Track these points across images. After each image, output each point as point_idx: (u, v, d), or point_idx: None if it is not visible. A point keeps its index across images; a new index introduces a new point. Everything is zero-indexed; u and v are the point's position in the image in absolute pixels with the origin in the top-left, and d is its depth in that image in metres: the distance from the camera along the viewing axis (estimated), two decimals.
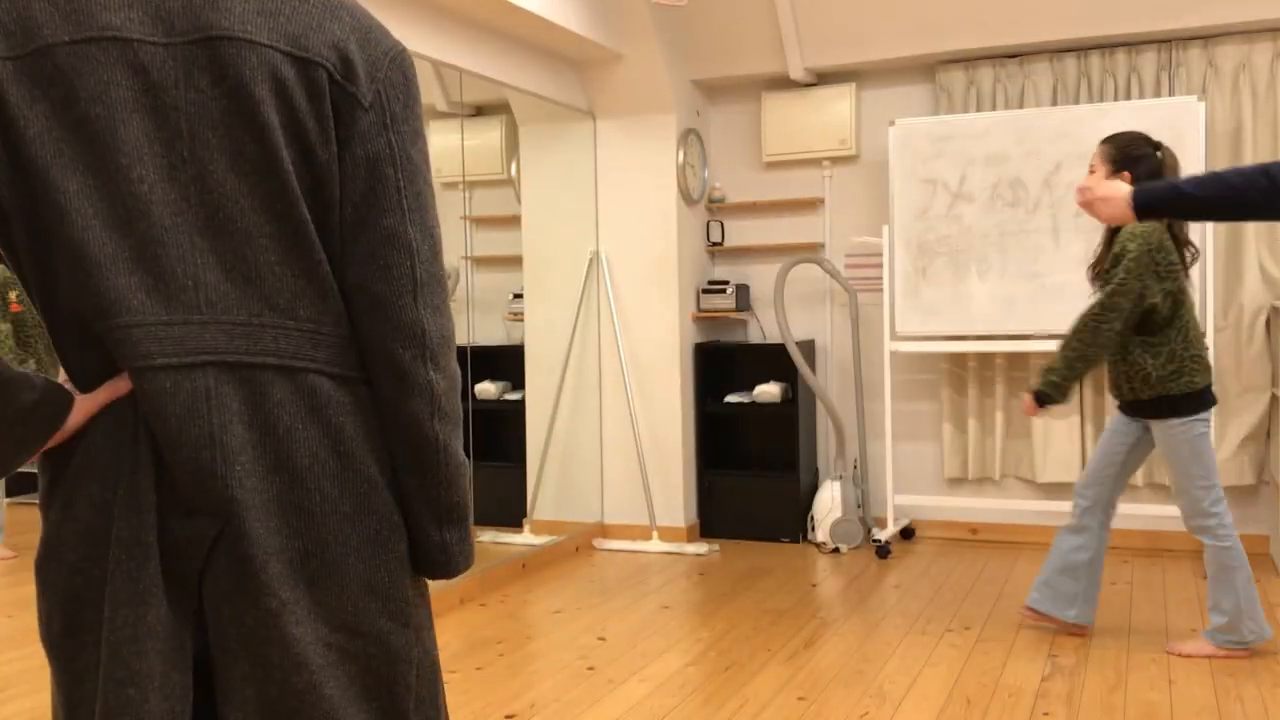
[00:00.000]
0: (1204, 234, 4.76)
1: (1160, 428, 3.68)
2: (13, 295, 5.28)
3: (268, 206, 1.20)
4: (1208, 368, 3.66)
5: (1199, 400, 3.63)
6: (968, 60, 5.42)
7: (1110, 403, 5.22)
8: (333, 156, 1.22)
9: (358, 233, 1.23)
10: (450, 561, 1.31)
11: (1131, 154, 3.67)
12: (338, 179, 1.22)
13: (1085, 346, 3.63)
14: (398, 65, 1.27)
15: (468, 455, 5.85)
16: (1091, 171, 3.79)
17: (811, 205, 5.84)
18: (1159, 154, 3.68)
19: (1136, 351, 3.65)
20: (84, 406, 1.21)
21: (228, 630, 1.20)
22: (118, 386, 1.20)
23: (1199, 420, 3.64)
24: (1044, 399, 3.72)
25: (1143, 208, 2.43)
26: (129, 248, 1.17)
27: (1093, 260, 3.79)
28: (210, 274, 1.19)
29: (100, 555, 1.20)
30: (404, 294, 1.23)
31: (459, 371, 1.29)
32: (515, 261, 5.88)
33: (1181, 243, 3.65)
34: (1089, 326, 3.62)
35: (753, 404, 5.67)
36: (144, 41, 1.17)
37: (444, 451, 1.27)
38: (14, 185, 1.16)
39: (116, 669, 1.17)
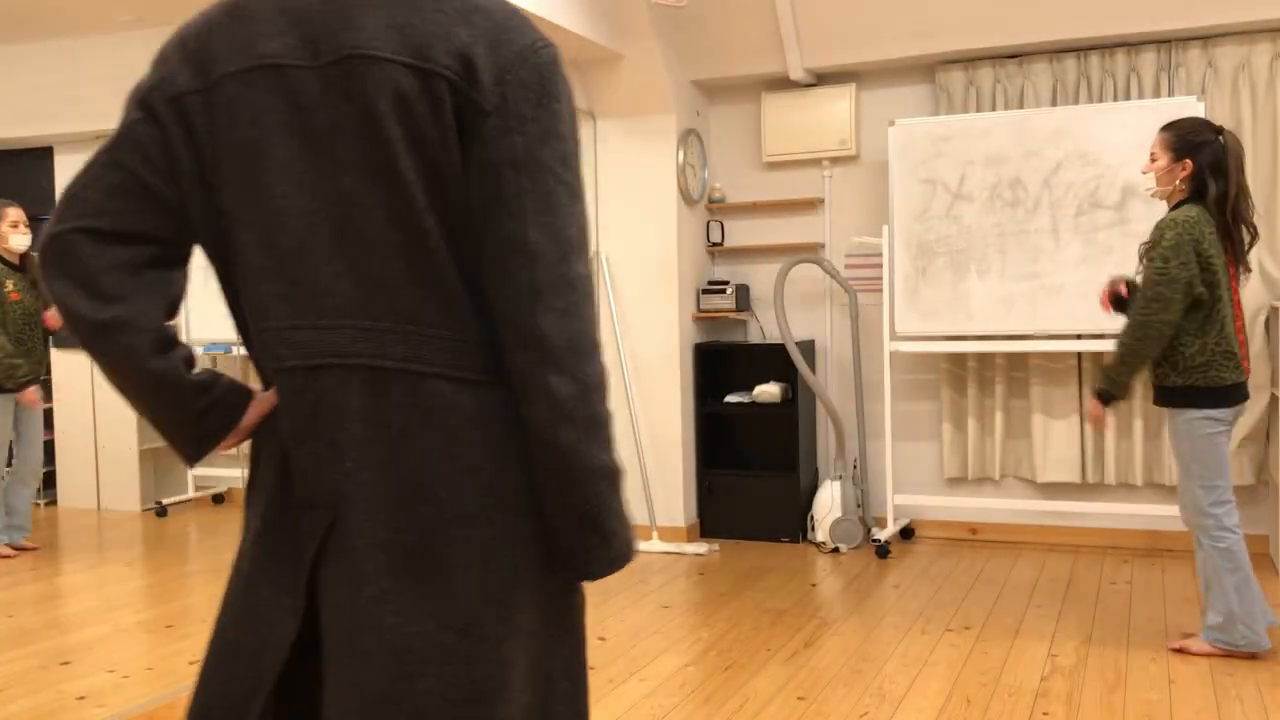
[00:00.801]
0: None
1: (1172, 417, 3.62)
2: (9, 285, 5.28)
3: (393, 217, 1.24)
4: (1239, 365, 3.58)
5: (1219, 395, 3.55)
6: (967, 60, 5.42)
7: None
8: (458, 165, 1.24)
9: (483, 240, 1.25)
10: (586, 566, 1.30)
11: (1193, 140, 3.55)
12: (461, 185, 1.24)
13: (1136, 341, 3.55)
14: (529, 64, 1.25)
15: None
16: (1153, 159, 3.64)
17: (811, 205, 5.84)
18: (1221, 138, 3.56)
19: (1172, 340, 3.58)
20: (258, 406, 1.35)
21: (334, 615, 1.26)
22: (271, 396, 1.32)
23: (1211, 418, 3.56)
24: (1105, 397, 3.65)
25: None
26: (273, 258, 1.27)
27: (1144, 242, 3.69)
28: (340, 281, 1.25)
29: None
30: (520, 299, 1.23)
31: (598, 374, 1.26)
32: None
33: (1241, 226, 3.55)
34: (1139, 320, 3.54)
35: (753, 404, 5.68)
36: (295, 66, 1.25)
37: (568, 457, 1.25)
38: (204, 206, 1.30)
39: (218, 642, 1.31)
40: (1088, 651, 3.78)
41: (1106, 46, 5.18)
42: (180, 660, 3.77)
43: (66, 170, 6.91)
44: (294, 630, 1.29)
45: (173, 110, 1.28)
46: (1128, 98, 5.15)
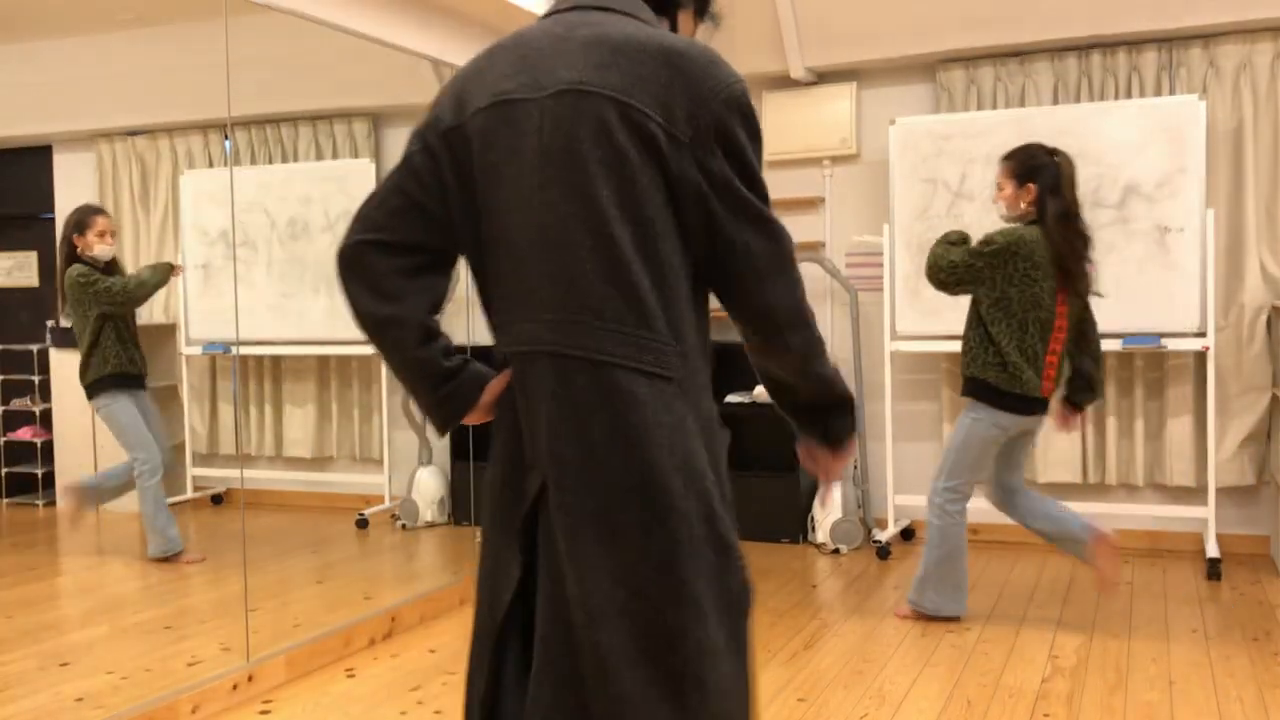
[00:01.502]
0: (1204, 233, 4.76)
1: (968, 408, 3.97)
2: (99, 283, 5.16)
3: (586, 227, 1.47)
4: (1035, 381, 3.86)
5: (1008, 401, 3.85)
6: (968, 59, 5.41)
7: (1110, 403, 5.22)
8: (651, 186, 1.47)
9: (708, 248, 1.52)
10: (829, 437, 1.68)
11: (1033, 165, 3.85)
12: (654, 203, 1.48)
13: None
14: (721, 102, 1.49)
15: (466, 456, 5.86)
16: (1000, 189, 3.95)
17: (812, 204, 5.83)
18: (1056, 160, 3.84)
19: (978, 333, 3.92)
20: (493, 388, 1.62)
21: (542, 563, 1.51)
22: (505, 378, 1.59)
23: (998, 425, 3.88)
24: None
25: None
26: (508, 262, 1.53)
27: None
28: (544, 281, 1.50)
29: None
30: (748, 282, 1.52)
31: (810, 329, 1.61)
32: None
33: (1081, 241, 3.84)
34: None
35: (753, 404, 5.67)
36: (525, 99, 1.51)
37: (812, 373, 1.62)
38: (466, 221, 1.58)
39: (480, 572, 1.63)
40: (1088, 652, 3.78)
41: (1108, 45, 5.17)
42: (179, 661, 3.76)
43: (65, 169, 6.91)
44: (517, 571, 1.54)
45: (442, 143, 1.57)
46: (1129, 96, 5.14)
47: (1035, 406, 3.91)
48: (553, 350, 1.49)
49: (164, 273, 5.20)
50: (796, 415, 1.69)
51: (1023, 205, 3.89)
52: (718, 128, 1.48)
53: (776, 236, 1.54)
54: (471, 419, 1.63)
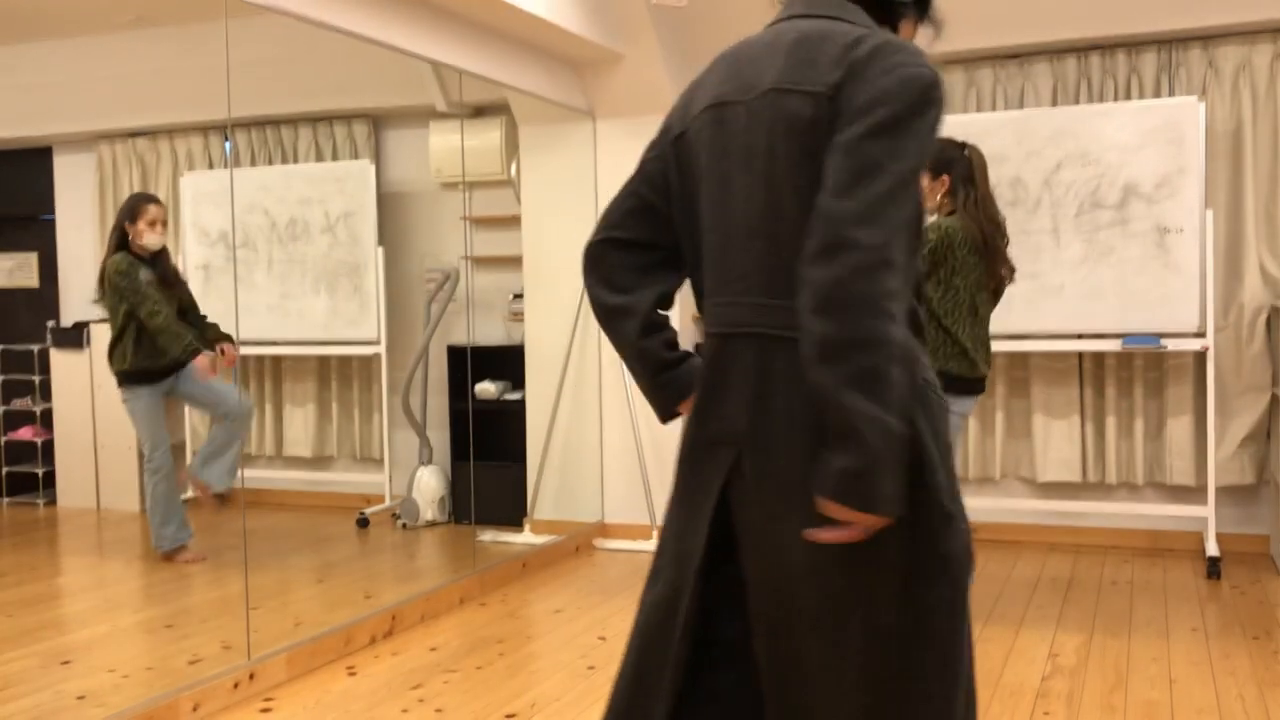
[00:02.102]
0: (1203, 234, 4.77)
1: None
2: (142, 276, 5.13)
3: (785, 217, 1.56)
4: (985, 364, 4.01)
5: (966, 385, 3.96)
6: (967, 61, 5.42)
7: (1110, 403, 5.22)
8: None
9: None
10: (841, 492, 1.44)
11: (945, 158, 3.98)
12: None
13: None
14: (893, 78, 1.49)
15: (466, 456, 5.86)
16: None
17: None
18: (967, 152, 3.97)
19: (931, 328, 4.02)
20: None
21: (743, 529, 1.61)
22: None
23: (956, 409, 3.97)
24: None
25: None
26: (711, 248, 1.66)
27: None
28: (747, 267, 1.60)
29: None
30: (808, 253, 1.47)
31: (869, 325, 1.41)
32: (515, 261, 5.89)
33: (995, 226, 3.97)
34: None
35: None
36: (734, 102, 1.63)
37: (826, 397, 1.43)
38: (685, 217, 1.72)
39: (662, 549, 1.72)
40: (1088, 651, 3.78)
41: (1107, 47, 5.18)
42: (181, 659, 3.77)
43: (66, 170, 6.91)
44: (704, 539, 1.63)
45: (671, 149, 1.73)
46: (1128, 98, 5.15)
47: (981, 386, 4.06)
48: (757, 331, 1.59)
49: (184, 348, 5.20)
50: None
51: (938, 198, 4.04)
52: (876, 106, 1.47)
53: (884, 215, 1.45)
54: (686, 408, 1.75)
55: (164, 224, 5.21)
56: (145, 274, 5.18)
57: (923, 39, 1.88)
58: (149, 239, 5.20)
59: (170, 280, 5.12)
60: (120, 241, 5.10)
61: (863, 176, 1.44)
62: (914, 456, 1.53)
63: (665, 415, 1.78)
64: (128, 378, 5.27)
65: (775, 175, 1.56)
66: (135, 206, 5.09)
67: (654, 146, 1.77)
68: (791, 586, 1.56)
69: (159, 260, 5.23)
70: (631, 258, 1.75)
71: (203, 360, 5.22)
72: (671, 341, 1.75)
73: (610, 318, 1.75)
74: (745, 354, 1.60)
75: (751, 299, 1.60)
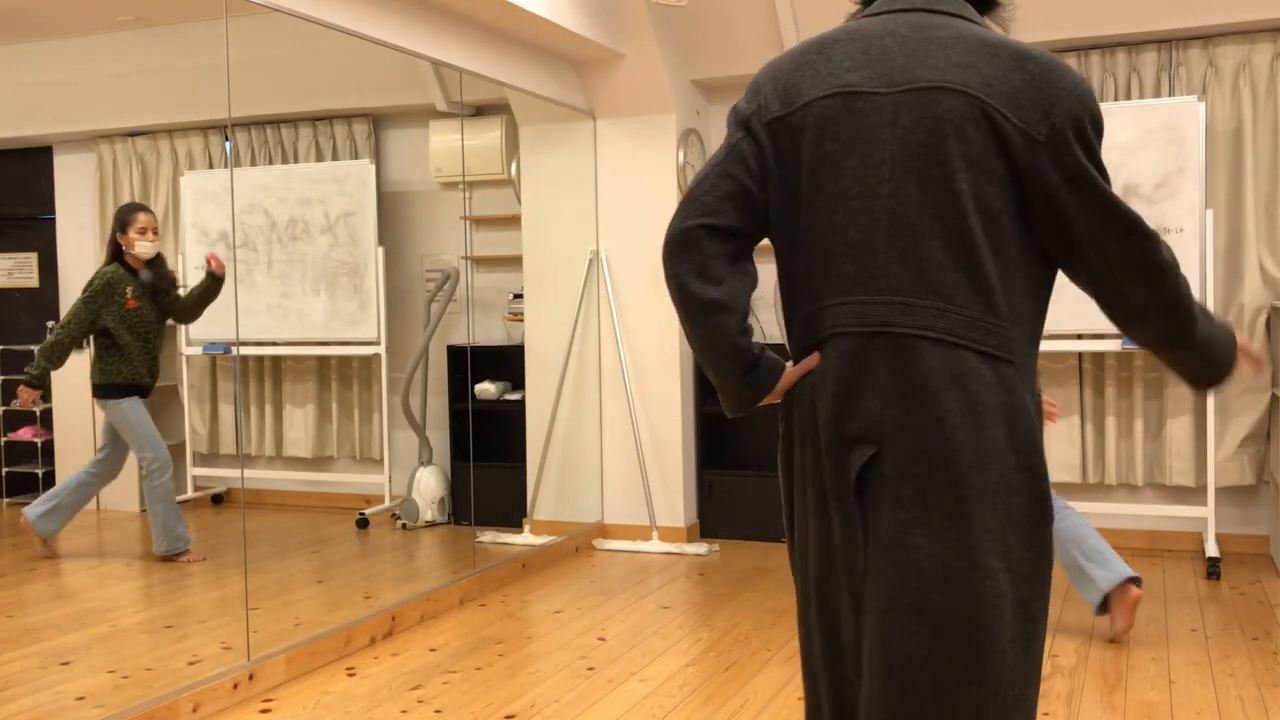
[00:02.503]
0: (1203, 234, 4.77)
1: None
2: (127, 291, 5.16)
3: (940, 216, 1.56)
4: None
5: None
6: None
7: (1110, 403, 5.22)
8: (1001, 180, 1.56)
9: (1060, 242, 1.60)
10: (1202, 374, 1.71)
11: None
12: (1005, 197, 1.56)
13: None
14: (1076, 100, 1.56)
15: (466, 456, 5.86)
16: None
17: None
18: None
19: None
20: (790, 375, 1.70)
21: (874, 530, 1.60)
22: (809, 362, 1.66)
23: None
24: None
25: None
26: (843, 246, 1.60)
27: None
28: (891, 266, 1.57)
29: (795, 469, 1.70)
30: (1105, 268, 1.59)
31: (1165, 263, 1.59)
32: (515, 261, 5.89)
33: None
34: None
35: None
36: (871, 93, 1.59)
37: (1171, 286, 1.62)
38: (783, 205, 1.66)
39: (813, 561, 1.68)
40: (1088, 652, 3.78)
41: (1107, 46, 5.18)
42: (180, 660, 3.77)
43: (66, 170, 6.91)
44: (858, 537, 1.60)
45: (766, 131, 1.65)
46: (1128, 97, 5.15)
47: None
48: (900, 331, 1.57)
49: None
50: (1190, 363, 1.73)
51: None
52: (1073, 126, 1.55)
53: (1130, 225, 1.58)
54: (765, 401, 1.74)
55: (155, 231, 5.21)
56: (131, 288, 5.20)
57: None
58: (140, 247, 5.21)
59: (163, 289, 5.11)
60: (115, 252, 5.13)
61: (1111, 201, 1.58)
62: (1032, 464, 1.58)
63: (744, 409, 1.74)
64: (109, 391, 5.30)
65: (937, 176, 1.55)
66: (124, 216, 5.11)
67: (742, 126, 1.68)
68: (917, 594, 1.56)
69: (154, 268, 5.24)
70: (725, 246, 1.66)
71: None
72: (751, 333, 1.71)
73: (707, 312, 1.66)
74: (888, 354, 1.58)
75: (895, 298, 1.58)
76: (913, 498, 1.55)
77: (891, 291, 1.58)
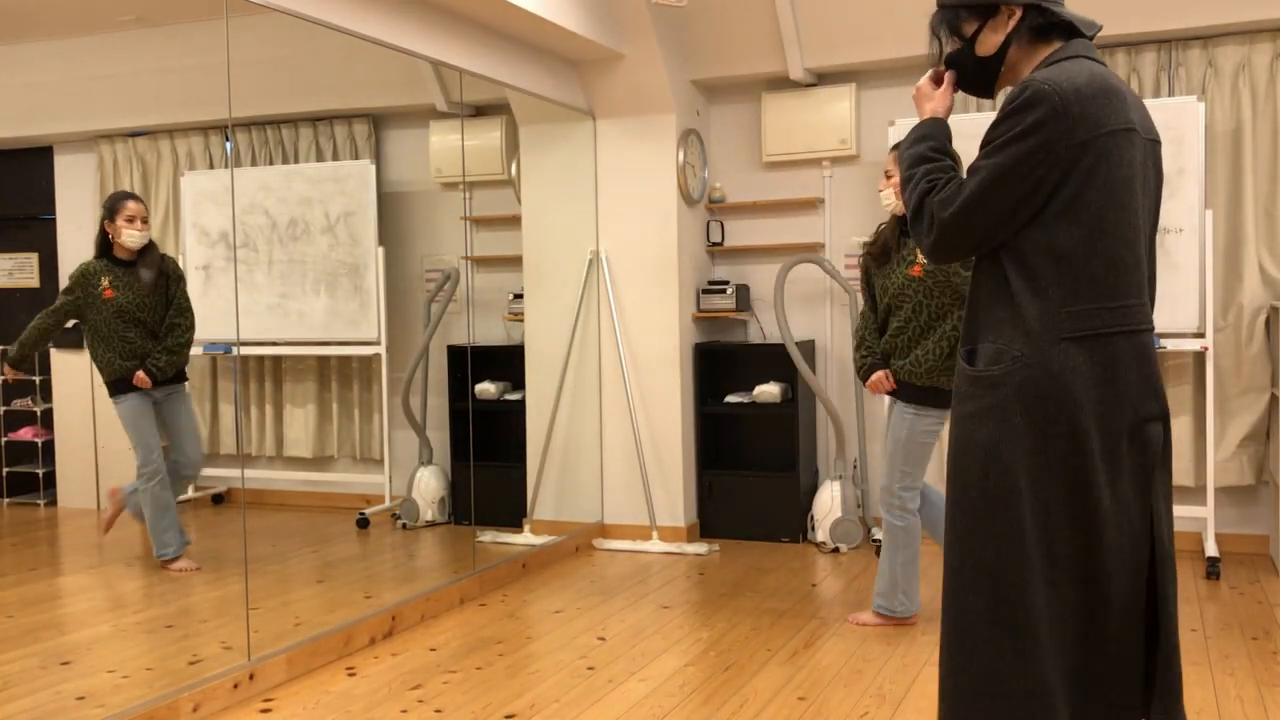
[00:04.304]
0: (1202, 234, 4.77)
1: (906, 411, 4.02)
2: (104, 282, 5.14)
3: (1150, 240, 2.05)
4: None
5: (944, 399, 3.97)
6: None
7: None
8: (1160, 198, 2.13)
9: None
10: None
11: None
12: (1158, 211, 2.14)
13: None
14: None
15: (466, 456, 5.86)
16: (888, 177, 4.05)
17: (811, 205, 5.84)
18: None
19: (943, 343, 3.97)
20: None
21: (1159, 489, 2.02)
22: None
23: (939, 421, 4.00)
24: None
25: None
26: (1133, 255, 1.98)
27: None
28: (1142, 276, 2.00)
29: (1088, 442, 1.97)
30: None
31: None
32: (515, 261, 5.89)
33: None
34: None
35: (753, 404, 5.67)
36: (1140, 134, 2.01)
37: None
38: (1070, 215, 1.94)
39: (1106, 541, 1.98)
40: None
41: (1107, 46, 5.18)
42: (180, 660, 3.77)
43: (66, 170, 6.91)
44: (1147, 516, 2.00)
45: (1067, 153, 1.91)
46: None
47: None
48: (1149, 328, 2.01)
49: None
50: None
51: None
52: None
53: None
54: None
55: (145, 219, 5.15)
56: (109, 279, 5.15)
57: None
58: (127, 236, 5.15)
59: (153, 281, 5.07)
60: (103, 244, 5.10)
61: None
62: None
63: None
64: (113, 386, 5.28)
65: (1147, 209, 2.04)
66: (112, 205, 5.07)
67: (1045, 149, 1.91)
68: (1166, 537, 2.02)
69: (145, 258, 5.16)
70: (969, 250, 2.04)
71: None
72: None
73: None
74: (1151, 346, 2.00)
75: (1147, 302, 2.01)
76: (1169, 461, 2.08)
77: (1143, 294, 2.02)
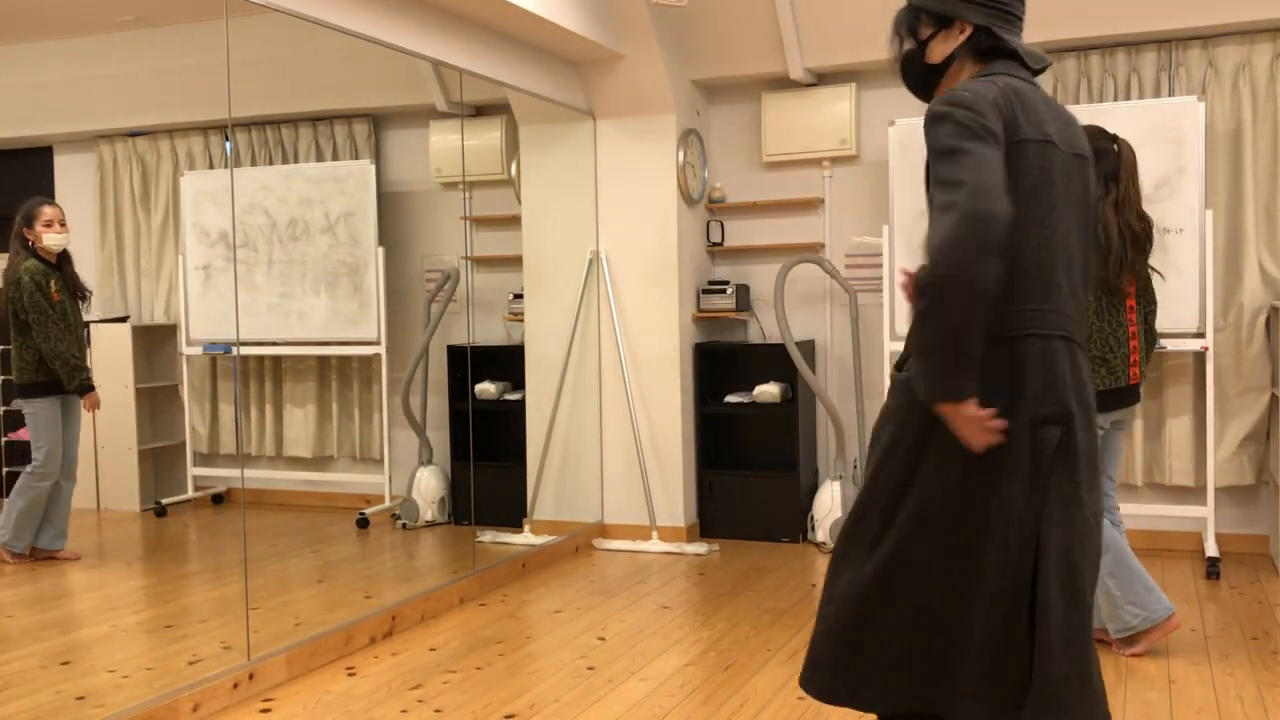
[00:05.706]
0: (1203, 234, 4.77)
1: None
2: (51, 285, 5.15)
3: (1083, 246, 2.11)
4: (1112, 372, 3.61)
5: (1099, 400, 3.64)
6: None
7: None
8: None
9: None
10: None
11: (1093, 149, 3.50)
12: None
13: None
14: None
15: (466, 456, 5.86)
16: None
17: (811, 205, 5.84)
18: (1117, 147, 3.64)
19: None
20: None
21: (1055, 497, 1.99)
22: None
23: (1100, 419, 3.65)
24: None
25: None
26: (1049, 261, 2.02)
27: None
28: (1064, 286, 2.04)
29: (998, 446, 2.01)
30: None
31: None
32: (515, 261, 5.89)
33: (1134, 231, 3.60)
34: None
35: (753, 404, 5.67)
36: (1059, 148, 2.05)
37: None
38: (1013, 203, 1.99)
39: (1002, 526, 2.02)
40: None
41: (1107, 46, 5.18)
42: (180, 660, 3.77)
43: (66, 170, 6.91)
44: (1042, 500, 2.00)
45: (1009, 150, 1.98)
46: (1128, 98, 5.15)
47: (1118, 399, 3.69)
48: (1067, 335, 2.04)
49: (79, 384, 5.17)
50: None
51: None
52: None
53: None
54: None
55: (61, 224, 5.13)
56: (53, 281, 5.14)
57: None
58: (48, 240, 5.13)
59: (77, 289, 5.07)
60: (22, 248, 5.07)
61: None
62: None
63: (965, 397, 1.92)
64: (31, 390, 5.24)
65: (1075, 220, 2.07)
66: (29, 211, 5.06)
67: (991, 137, 1.93)
68: (1087, 541, 2.02)
69: (65, 265, 5.17)
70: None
71: (93, 397, 5.21)
72: None
73: (986, 302, 1.87)
74: (1063, 354, 2.01)
75: (1067, 310, 2.03)
76: (1083, 467, 2.05)
77: (1064, 303, 2.05)
